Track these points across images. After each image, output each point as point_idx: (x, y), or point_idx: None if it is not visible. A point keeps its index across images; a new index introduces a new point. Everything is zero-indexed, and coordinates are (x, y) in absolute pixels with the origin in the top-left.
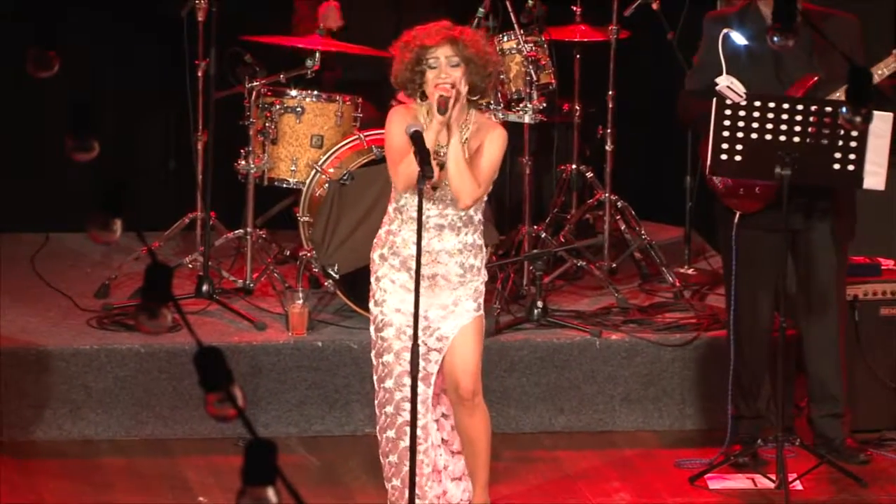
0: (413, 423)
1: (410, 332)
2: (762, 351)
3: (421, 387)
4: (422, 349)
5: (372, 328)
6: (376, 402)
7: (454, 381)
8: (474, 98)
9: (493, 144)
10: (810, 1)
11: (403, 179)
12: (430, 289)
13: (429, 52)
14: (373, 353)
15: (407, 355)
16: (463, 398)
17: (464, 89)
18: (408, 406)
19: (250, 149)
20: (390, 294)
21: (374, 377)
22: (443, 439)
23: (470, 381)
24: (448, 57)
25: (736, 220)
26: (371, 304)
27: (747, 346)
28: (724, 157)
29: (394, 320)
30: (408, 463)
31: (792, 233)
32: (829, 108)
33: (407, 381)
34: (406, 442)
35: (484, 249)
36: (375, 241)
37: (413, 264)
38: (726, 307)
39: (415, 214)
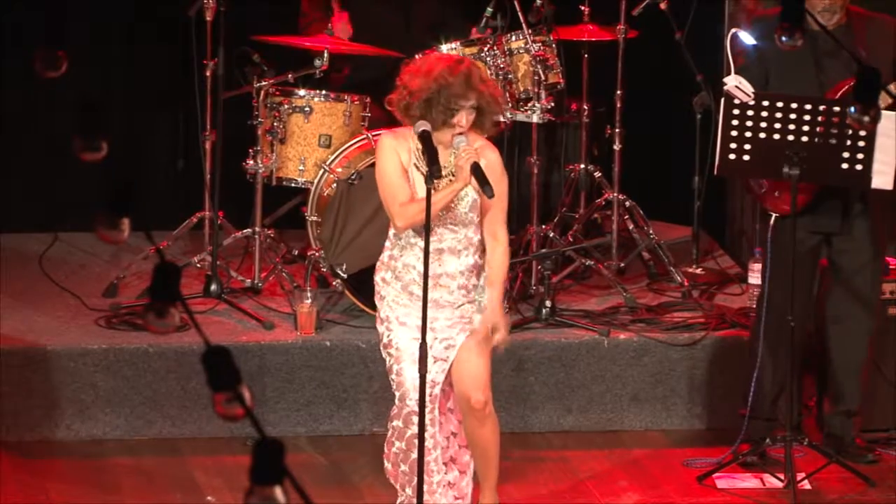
0: (421, 422)
1: (415, 343)
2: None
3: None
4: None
5: (381, 345)
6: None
7: (464, 394)
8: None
9: (499, 171)
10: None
11: (407, 222)
12: (434, 309)
13: (452, 100)
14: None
15: (413, 370)
16: (474, 409)
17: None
18: (416, 419)
19: (258, 148)
20: (394, 311)
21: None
22: (451, 457)
23: (481, 394)
24: (470, 105)
25: (772, 222)
26: (377, 323)
27: (775, 349)
28: (731, 156)
29: (400, 335)
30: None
31: (828, 235)
32: (837, 108)
33: (414, 394)
34: (416, 454)
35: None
36: (379, 264)
37: (413, 289)
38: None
39: (413, 240)
